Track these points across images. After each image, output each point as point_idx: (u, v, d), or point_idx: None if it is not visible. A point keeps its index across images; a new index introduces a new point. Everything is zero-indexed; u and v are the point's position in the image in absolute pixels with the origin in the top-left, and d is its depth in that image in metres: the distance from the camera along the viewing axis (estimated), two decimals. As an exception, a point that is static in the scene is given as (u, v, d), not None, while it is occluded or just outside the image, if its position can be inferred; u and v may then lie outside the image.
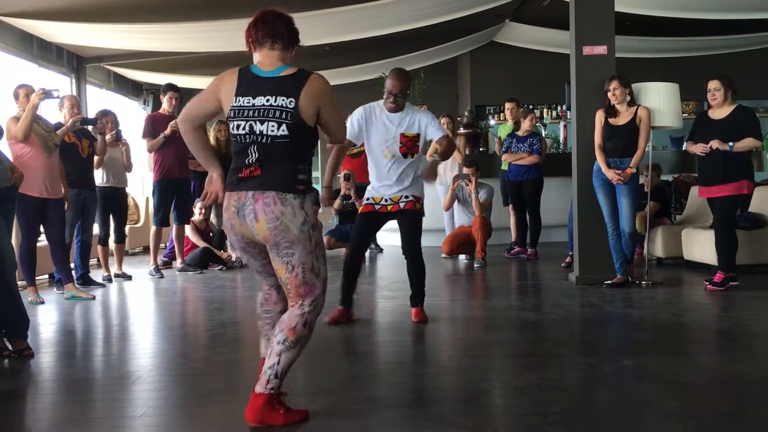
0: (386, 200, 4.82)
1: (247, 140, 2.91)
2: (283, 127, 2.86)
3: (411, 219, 4.83)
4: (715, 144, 5.76)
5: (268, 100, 2.87)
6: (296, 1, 8.18)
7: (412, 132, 4.78)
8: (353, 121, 4.81)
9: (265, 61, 2.97)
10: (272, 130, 2.87)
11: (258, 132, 2.88)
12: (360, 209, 4.97)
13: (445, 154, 4.95)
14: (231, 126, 2.95)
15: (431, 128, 4.83)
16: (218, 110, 3.02)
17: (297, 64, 3.10)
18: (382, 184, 4.83)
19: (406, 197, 4.81)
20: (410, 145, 4.78)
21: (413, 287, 4.97)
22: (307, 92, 2.88)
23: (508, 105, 9.06)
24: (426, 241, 9.58)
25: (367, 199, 4.89)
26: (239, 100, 2.91)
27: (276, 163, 2.89)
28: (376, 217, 4.87)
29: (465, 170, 8.06)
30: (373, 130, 4.79)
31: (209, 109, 3.02)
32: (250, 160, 2.91)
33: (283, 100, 2.86)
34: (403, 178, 4.80)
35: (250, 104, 2.89)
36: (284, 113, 2.86)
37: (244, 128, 2.90)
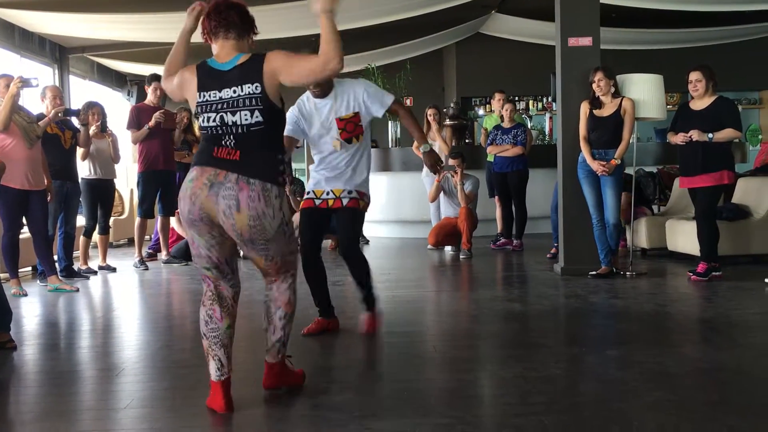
0: (327, 193, 4.25)
1: (220, 131, 2.91)
2: (256, 113, 2.88)
3: (349, 217, 4.25)
4: (695, 135, 5.79)
5: (234, 91, 2.89)
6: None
7: (348, 113, 4.15)
8: (290, 117, 4.17)
9: (221, 52, 2.98)
10: (246, 119, 2.88)
11: (231, 123, 2.89)
12: (301, 204, 4.43)
13: (410, 124, 4.31)
14: (201, 119, 2.97)
15: (371, 102, 4.17)
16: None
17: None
18: (326, 175, 4.25)
19: (350, 192, 4.23)
20: (351, 128, 4.15)
21: (362, 290, 4.37)
22: (266, 72, 2.88)
23: (497, 96, 9.04)
24: (412, 232, 9.70)
25: (308, 192, 4.34)
26: (204, 95, 2.94)
27: (255, 152, 2.89)
28: (320, 213, 4.29)
29: (451, 162, 8.06)
30: (309, 122, 4.23)
31: (179, 98, 3.16)
32: (227, 143, 2.90)
33: (249, 87, 2.87)
34: (349, 168, 4.23)
35: (217, 98, 2.91)
36: (254, 99, 2.87)
37: (214, 120, 2.91)
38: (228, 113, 2.88)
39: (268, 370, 3.18)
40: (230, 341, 3.03)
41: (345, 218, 4.26)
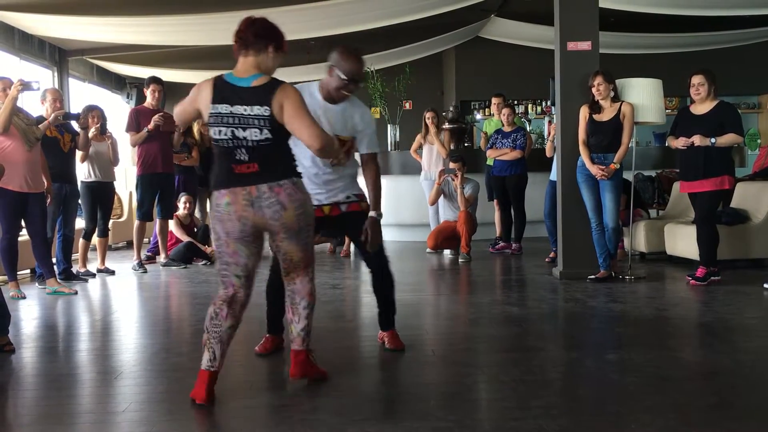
0: (320, 202, 3.79)
1: (232, 144, 3.13)
2: (265, 131, 3.10)
3: (362, 224, 3.82)
4: (697, 140, 5.79)
5: (245, 110, 3.10)
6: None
7: (347, 135, 3.74)
8: None
9: (241, 68, 3.19)
10: (255, 135, 3.10)
11: (242, 137, 3.11)
12: None
13: (372, 183, 3.83)
14: (212, 131, 3.16)
15: (362, 140, 3.82)
16: (198, 116, 3.30)
17: (283, 60, 3.18)
18: (314, 185, 3.74)
19: (347, 198, 3.83)
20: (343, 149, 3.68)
21: (383, 305, 4.07)
22: (276, 101, 3.08)
23: (494, 100, 9.07)
24: (411, 235, 9.69)
25: None
26: (217, 108, 3.13)
27: (268, 159, 3.13)
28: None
29: (451, 165, 8.06)
30: None
31: (191, 115, 3.34)
32: (242, 158, 3.12)
33: (258, 108, 3.09)
34: (338, 179, 3.83)
35: (229, 112, 3.11)
36: (263, 120, 3.09)
37: (226, 134, 3.12)
38: (239, 128, 3.10)
39: (294, 358, 3.35)
40: (228, 340, 3.23)
41: (360, 225, 3.83)
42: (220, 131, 3.12)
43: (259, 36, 3.16)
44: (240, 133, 3.10)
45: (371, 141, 3.85)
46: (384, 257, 3.96)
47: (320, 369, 3.45)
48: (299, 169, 3.56)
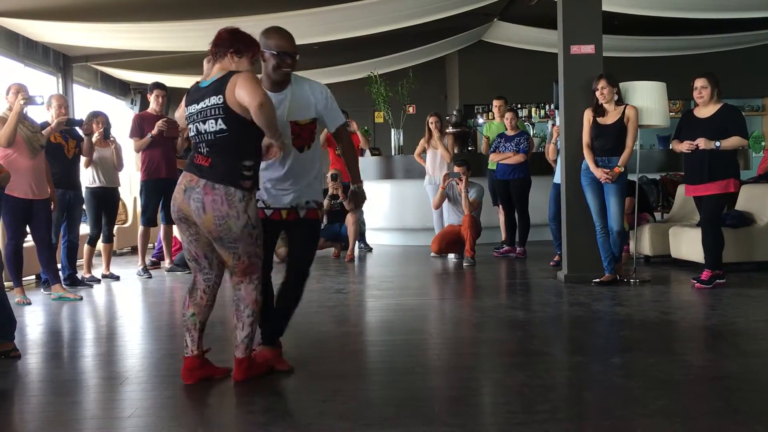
0: (282, 206, 3.70)
1: (197, 140, 3.39)
2: (219, 121, 3.28)
3: (309, 230, 3.76)
4: (701, 144, 5.78)
5: (204, 104, 3.33)
6: (284, 0, 8.18)
7: (306, 119, 3.59)
8: None
9: (210, 73, 3.43)
10: (212, 127, 3.31)
11: (202, 131, 3.34)
12: None
13: (350, 156, 3.86)
14: (189, 131, 3.47)
15: (327, 116, 3.67)
16: None
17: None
18: (276, 186, 3.66)
19: (307, 203, 3.70)
20: (307, 135, 3.61)
21: (282, 318, 3.80)
22: (229, 88, 3.25)
23: (495, 102, 9.08)
24: (415, 240, 9.70)
25: (257, 200, 3.56)
26: (188, 110, 3.44)
27: (222, 156, 3.30)
28: (271, 225, 3.67)
29: (456, 169, 8.05)
30: None
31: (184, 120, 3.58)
32: (202, 150, 3.36)
33: (214, 98, 3.29)
34: (301, 176, 3.67)
35: (195, 110, 3.38)
36: (217, 109, 3.28)
37: (193, 131, 3.41)
38: (200, 123, 3.35)
39: (238, 365, 3.49)
40: (194, 327, 3.51)
41: (305, 234, 3.76)
42: (190, 129, 3.42)
43: (218, 46, 3.38)
44: (201, 127, 3.34)
45: (336, 113, 3.71)
46: (307, 269, 3.77)
47: (264, 363, 3.59)
48: (265, 173, 3.62)
